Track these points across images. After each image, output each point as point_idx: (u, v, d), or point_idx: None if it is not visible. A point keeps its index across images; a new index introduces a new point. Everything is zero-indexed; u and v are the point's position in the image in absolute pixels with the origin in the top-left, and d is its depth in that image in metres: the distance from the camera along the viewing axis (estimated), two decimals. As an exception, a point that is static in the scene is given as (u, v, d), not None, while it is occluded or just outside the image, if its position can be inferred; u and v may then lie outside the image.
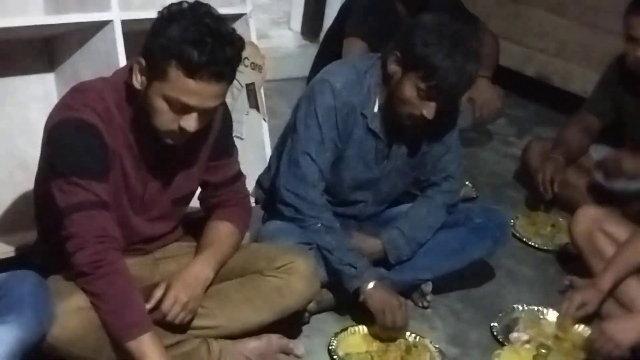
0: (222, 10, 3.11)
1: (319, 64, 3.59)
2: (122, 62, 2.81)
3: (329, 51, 3.76)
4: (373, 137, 2.84)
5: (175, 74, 2.12)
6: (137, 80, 2.21)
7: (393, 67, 2.70)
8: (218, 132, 2.45)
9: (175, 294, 2.34)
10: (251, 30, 3.21)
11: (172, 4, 2.22)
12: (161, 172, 2.40)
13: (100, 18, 2.82)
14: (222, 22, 2.19)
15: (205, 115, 2.23)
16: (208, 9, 2.20)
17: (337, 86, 2.76)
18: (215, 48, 2.11)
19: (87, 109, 2.22)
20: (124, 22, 2.84)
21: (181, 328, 2.41)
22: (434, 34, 2.60)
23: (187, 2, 2.21)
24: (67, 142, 2.22)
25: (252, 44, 3.15)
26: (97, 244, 2.17)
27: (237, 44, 2.20)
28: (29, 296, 2.09)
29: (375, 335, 2.77)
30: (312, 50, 4.78)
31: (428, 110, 2.65)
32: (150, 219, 2.46)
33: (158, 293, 2.35)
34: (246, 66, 3.12)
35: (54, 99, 3.01)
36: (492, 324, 2.97)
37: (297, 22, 5.32)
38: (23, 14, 2.92)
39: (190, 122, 2.19)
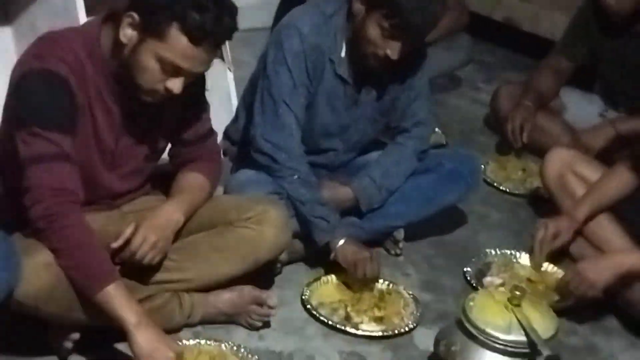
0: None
1: (283, 11, 3.55)
2: (82, 16, 2.80)
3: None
4: (341, 82, 2.83)
5: (175, 36, 2.14)
6: (125, 35, 2.19)
7: (357, 6, 2.70)
8: (191, 88, 2.43)
9: (144, 233, 2.34)
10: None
11: None
12: (134, 127, 2.38)
13: (57, -34, 2.79)
14: None
15: (191, 78, 2.25)
16: None
17: (304, 30, 2.75)
18: (219, 15, 2.14)
19: (55, 59, 2.20)
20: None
21: (151, 276, 2.42)
22: None
23: None
24: (33, 93, 2.19)
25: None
26: (52, 197, 2.15)
27: (235, 10, 2.22)
28: (-5, 254, 2.08)
29: (346, 284, 2.78)
30: (275, -2, 4.75)
31: (392, 50, 2.65)
32: (121, 175, 2.45)
33: (127, 231, 2.34)
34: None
35: (11, 53, 3.00)
36: (465, 269, 2.99)
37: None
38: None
39: (177, 84, 2.21)
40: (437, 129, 3.76)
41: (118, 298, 2.14)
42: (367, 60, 2.73)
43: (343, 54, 2.81)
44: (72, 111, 2.22)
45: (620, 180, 2.93)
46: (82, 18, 2.78)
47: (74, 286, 2.18)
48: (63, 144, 2.18)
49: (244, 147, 2.97)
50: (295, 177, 2.77)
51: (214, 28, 2.14)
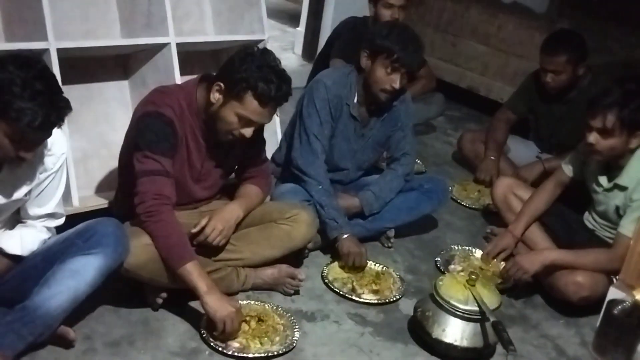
0: (246, 37, 3.13)
1: (314, 75, 3.56)
2: (177, 73, 2.79)
3: (320, 68, 3.71)
4: (353, 120, 2.84)
5: (249, 100, 2.19)
6: (214, 98, 2.24)
7: (364, 61, 2.74)
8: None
9: (214, 223, 2.34)
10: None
11: (246, 48, 2.28)
12: (214, 155, 2.40)
13: (161, 41, 2.80)
14: (279, 63, 2.24)
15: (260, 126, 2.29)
16: (271, 54, 2.25)
17: (328, 84, 2.77)
18: (280, 86, 2.18)
19: (166, 106, 2.24)
20: (178, 44, 2.81)
21: (218, 254, 2.40)
22: (386, 28, 2.73)
23: (257, 47, 2.29)
24: (148, 128, 2.22)
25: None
26: (153, 199, 2.16)
27: (290, 82, 2.24)
28: (111, 235, 2.08)
29: (342, 268, 2.75)
30: (309, 68, 4.76)
31: (395, 81, 2.68)
32: (203, 187, 2.46)
33: (202, 222, 2.34)
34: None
35: (127, 99, 2.99)
36: (436, 259, 2.95)
37: (299, 48, 5.30)
38: (106, 37, 2.89)
39: (249, 132, 2.26)
40: (418, 161, 3.74)
41: (194, 272, 2.15)
42: (378, 97, 2.75)
43: (355, 100, 2.81)
44: (174, 142, 2.25)
45: (544, 195, 2.91)
46: (177, 76, 2.78)
47: (163, 261, 2.18)
48: (165, 164, 2.21)
49: (285, 168, 2.96)
50: (320, 187, 2.76)
51: (276, 94, 2.18)
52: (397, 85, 2.67)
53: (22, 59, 1.80)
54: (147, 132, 2.22)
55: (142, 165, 2.19)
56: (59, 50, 2.47)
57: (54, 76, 1.88)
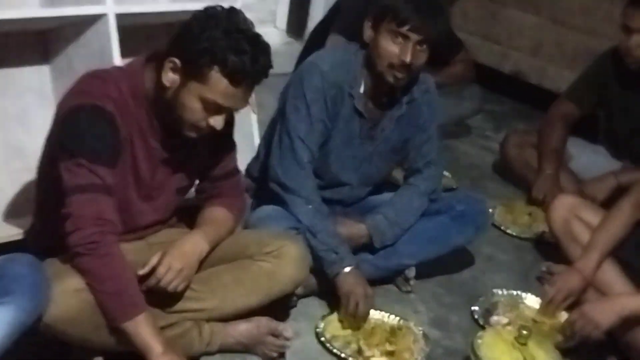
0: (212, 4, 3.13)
1: (304, 58, 3.58)
2: (117, 56, 2.79)
3: (315, 48, 3.73)
4: (359, 117, 2.85)
5: (216, 78, 2.18)
6: (168, 79, 2.23)
7: (368, 33, 2.76)
8: (222, 129, 2.44)
9: (169, 261, 2.32)
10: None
11: (207, 8, 2.25)
12: (169, 162, 2.40)
13: (94, 11, 2.80)
14: (253, 28, 2.24)
15: (230, 113, 2.30)
16: (240, 15, 2.25)
17: (324, 68, 2.78)
18: (255, 57, 2.17)
19: (104, 97, 2.23)
20: (119, 16, 2.81)
21: (173, 304, 2.39)
22: None
23: (221, 7, 2.25)
24: (82, 127, 2.20)
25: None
26: (94, 226, 2.15)
27: (269, 51, 2.24)
28: (25, 278, 2.06)
29: (340, 321, 2.74)
30: (297, 47, 4.79)
31: (405, 52, 2.67)
32: (153, 206, 2.46)
33: (154, 260, 2.32)
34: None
35: (48, 91, 3.01)
36: (472, 308, 2.96)
37: (282, 20, 5.34)
38: (19, 6, 2.87)
39: (219, 121, 2.26)
40: (447, 173, 3.76)
41: (145, 327, 2.15)
42: (386, 78, 2.74)
43: (362, 89, 2.82)
44: (116, 145, 2.24)
45: (621, 220, 2.91)
46: (117, 59, 2.78)
47: (103, 312, 2.17)
48: (106, 177, 2.19)
49: (263, 183, 2.96)
50: (309, 206, 2.77)
51: (252, 68, 2.18)
52: (407, 58, 2.67)
53: None
54: (79, 132, 2.20)
55: (75, 178, 2.17)
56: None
57: None
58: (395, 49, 2.68)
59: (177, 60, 2.20)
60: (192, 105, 2.22)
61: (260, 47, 2.21)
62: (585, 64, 3.85)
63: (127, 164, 2.30)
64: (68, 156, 2.18)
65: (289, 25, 5.29)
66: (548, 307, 2.91)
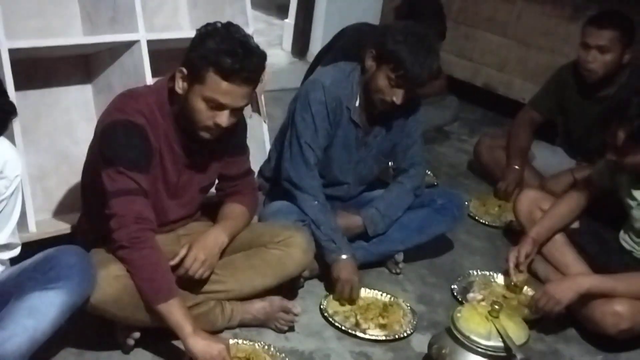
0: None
1: (311, 73, 3.57)
2: (148, 75, 2.79)
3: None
4: (354, 126, 2.84)
5: (212, 78, 2.17)
6: (179, 86, 2.24)
7: (369, 62, 2.72)
8: (235, 133, 2.44)
9: (195, 253, 2.34)
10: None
11: (208, 24, 2.26)
12: (191, 166, 2.40)
13: (129, 38, 2.79)
14: (249, 38, 2.24)
15: (235, 113, 2.27)
16: (237, 28, 2.25)
17: (326, 83, 2.78)
18: (245, 57, 2.16)
19: (136, 112, 2.24)
20: (149, 42, 2.81)
21: (199, 287, 2.40)
22: (401, 34, 2.65)
23: (220, 22, 2.25)
24: (118, 139, 2.22)
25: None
26: (135, 224, 2.17)
27: (262, 55, 2.24)
28: (75, 266, 2.07)
29: (337, 301, 2.74)
30: (301, 66, 4.81)
31: (397, 96, 2.67)
32: (180, 204, 2.46)
33: (182, 252, 2.34)
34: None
35: (91, 106, 2.99)
36: (452, 286, 2.96)
37: (287, 43, 5.33)
38: (66, 35, 2.89)
39: (223, 119, 2.23)
40: (429, 172, 3.76)
41: (177, 310, 2.15)
42: (376, 105, 2.75)
43: (357, 103, 2.81)
44: (148, 154, 2.25)
45: (570, 202, 2.96)
46: (149, 78, 2.77)
47: (142, 295, 2.18)
48: (141, 181, 2.21)
49: (274, 183, 2.97)
50: (315, 202, 2.77)
51: (242, 66, 2.15)
52: (398, 101, 2.68)
53: None
54: (116, 144, 2.22)
55: (115, 184, 2.19)
56: (11, 52, 2.46)
57: None
58: (389, 91, 2.68)
59: (184, 69, 2.22)
60: (198, 106, 2.21)
61: (251, 50, 2.19)
62: (545, 78, 3.84)
63: (157, 168, 2.31)
64: (108, 165, 2.20)
65: (294, 47, 5.29)
66: (511, 274, 2.92)
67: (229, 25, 2.24)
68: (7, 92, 1.82)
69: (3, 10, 2.46)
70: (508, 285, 2.95)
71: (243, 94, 2.23)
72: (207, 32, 2.21)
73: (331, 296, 2.75)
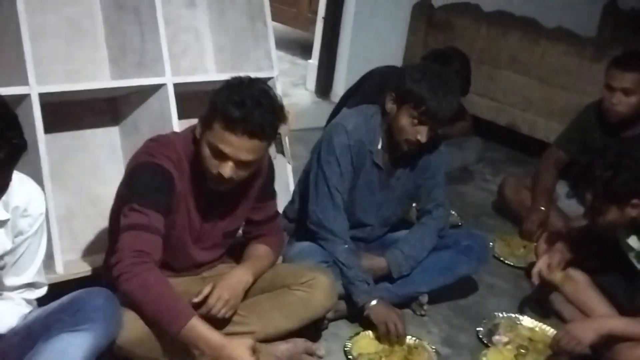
0: (254, 74, 3.17)
1: (335, 115, 3.60)
2: (175, 118, 2.84)
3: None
4: (377, 169, 2.86)
5: (217, 125, 2.18)
6: (197, 132, 2.27)
7: (390, 105, 2.75)
8: (264, 179, 2.48)
9: (219, 292, 2.34)
10: (277, 90, 3.23)
11: (236, 76, 2.28)
12: (216, 211, 2.42)
13: (156, 82, 2.85)
14: (266, 94, 2.22)
15: (242, 166, 2.24)
16: (261, 83, 2.25)
17: (349, 128, 2.80)
18: (252, 110, 2.15)
19: (164, 157, 2.27)
20: (175, 85, 2.87)
21: (222, 327, 2.40)
22: (419, 72, 2.70)
23: (249, 77, 2.27)
24: (140, 180, 2.25)
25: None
26: (130, 257, 2.15)
27: (274, 111, 2.22)
28: (101, 308, 2.07)
29: (379, 339, 2.75)
30: (324, 105, 4.86)
31: (421, 134, 2.69)
32: (204, 248, 2.49)
33: (206, 290, 2.35)
34: (273, 120, 3.13)
35: (117, 148, 3.05)
36: (477, 329, 2.94)
37: (311, 84, 5.38)
38: (93, 78, 2.95)
39: (225, 169, 2.21)
40: (453, 212, 3.76)
41: (201, 327, 2.15)
42: (401, 147, 2.76)
43: (379, 146, 2.84)
44: (170, 197, 2.27)
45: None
46: (175, 120, 2.83)
47: (160, 328, 2.16)
48: (153, 218, 2.21)
49: (298, 223, 2.99)
50: (346, 246, 2.78)
51: (245, 117, 2.15)
52: (423, 139, 2.70)
53: None
54: (138, 183, 2.25)
55: (126, 220, 2.20)
56: (41, 96, 2.52)
57: (9, 112, 1.81)
58: (413, 129, 2.69)
59: (202, 116, 2.26)
60: (204, 152, 2.23)
61: (260, 104, 2.18)
62: (569, 117, 3.85)
63: (183, 213, 2.33)
64: (126, 202, 2.23)
65: (317, 87, 5.34)
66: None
67: (253, 80, 2.26)
68: (20, 127, 1.83)
69: (33, 55, 2.52)
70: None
71: (247, 148, 2.20)
72: (230, 83, 2.25)
73: (355, 338, 2.74)
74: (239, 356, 2.15)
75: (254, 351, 2.19)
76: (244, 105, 2.16)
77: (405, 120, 2.70)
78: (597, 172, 2.57)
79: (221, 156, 2.20)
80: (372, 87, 3.54)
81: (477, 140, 4.31)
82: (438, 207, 3.02)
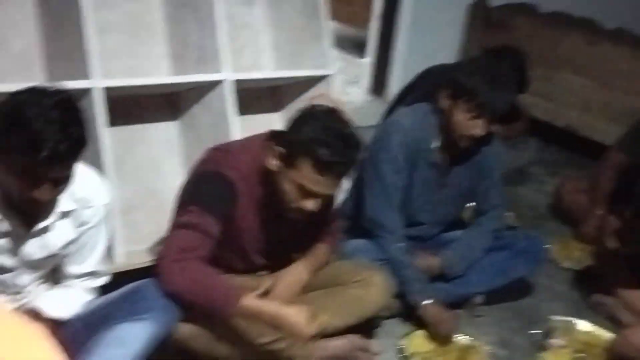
0: (310, 73, 3.22)
1: (388, 116, 3.60)
2: (232, 114, 2.87)
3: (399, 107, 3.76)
4: (433, 167, 2.85)
5: (306, 167, 2.13)
6: (271, 163, 2.22)
7: (443, 102, 2.74)
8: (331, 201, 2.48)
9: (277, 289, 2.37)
10: (334, 88, 3.25)
11: (309, 106, 2.25)
12: (279, 230, 2.39)
13: (215, 78, 2.88)
14: (348, 127, 2.18)
15: (325, 199, 2.24)
16: (338, 114, 2.21)
17: (406, 125, 2.80)
18: (343, 150, 2.12)
19: (229, 168, 2.25)
20: (236, 82, 2.90)
21: None
22: (473, 66, 2.72)
23: (322, 105, 2.23)
24: (206, 187, 2.24)
25: (335, 99, 3.18)
26: (175, 254, 2.13)
27: (359, 146, 2.18)
28: (161, 298, 2.12)
29: (430, 338, 2.75)
30: (377, 104, 4.85)
31: (477, 128, 2.67)
32: (267, 256, 2.48)
33: (267, 283, 2.35)
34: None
35: (176, 143, 3.09)
36: (532, 331, 2.92)
37: (365, 82, 5.38)
38: (154, 74, 3.00)
39: (310, 204, 2.20)
40: (509, 213, 3.73)
41: (254, 300, 2.16)
42: (457, 144, 2.75)
43: (436, 144, 2.82)
44: (231, 208, 2.24)
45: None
46: (232, 118, 2.86)
47: (217, 317, 2.17)
48: (208, 222, 2.17)
49: (354, 221, 2.99)
50: (401, 244, 2.78)
51: (337, 160, 2.12)
52: (479, 133, 2.68)
53: (41, 89, 1.83)
54: (199, 188, 2.24)
55: (179, 218, 2.20)
56: (104, 90, 2.56)
57: (76, 109, 1.86)
58: (469, 124, 2.67)
59: (279, 149, 2.20)
60: (287, 189, 2.19)
61: (350, 143, 2.15)
62: (629, 120, 3.78)
63: (247, 224, 2.31)
64: (184, 205, 2.22)
65: (371, 86, 5.34)
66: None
67: (331, 112, 2.22)
68: (83, 122, 1.88)
69: (97, 49, 2.58)
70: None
71: (336, 184, 2.20)
72: (308, 116, 2.19)
73: (410, 336, 2.75)
74: (297, 322, 2.15)
75: (312, 318, 2.18)
76: (334, 145, 2.11)
77: (460, 115, 2.68)
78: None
79: (309, 195, 2.18)
80: (428, 85, 3.52)
81: (533, 142, 4.26)
82: (494, 208, 3.00)
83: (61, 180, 1.89)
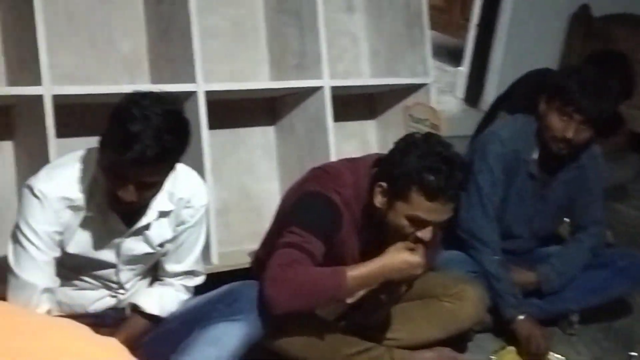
0: (407, 81, 3.20)
1: (482, 127, 3.55)
2: (330, 120, 2.88)
3: (490, 120, 3.69)
4: (531, 179, 2.80)
5: (416, 197, 2.09)
6: (378, 201, 2.18)
7: (541, 106, 2.69)
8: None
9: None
10: (431, 97, 3.22)
11: (407, 137, 2.21)
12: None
13: (314, 84, 2.90)
14: (450, 149, 2.15)
15: (439, 225, 2.19)
16: (437, 139, 2.18)
17: (504, 136, 2.76)
18: (450, 174, 2.08)
19: (333, 191, 2.22)
20: (333, 88, 2.90)
21: (373, 337, 2.41)
22: (572, 70, 2.69)
23: (420, 133, 2.21)
24: (304, 207, 2.22)
25: (432, 108, 3.16)
26: (277, 268, 2.10)
27: (464, 166, 2.16)
28: (255, 300, 2.14)
29: (522, 355, 2.69)
30: (472, 113, 4.80)
31: (567, 130, 2.61)
32: None
33: (361, 292, 2.26)
34: (426, 126, 3.12)
35: (272, 147, 3.12)
36: (630, 353, 2.80)
37: (460, 91, 5.33)
38: (254, 79, 3.05)
39: (427, 234, 2.15)
40: (607, 231, 3.61)
41: (356, 270, 2.12)
42: (551, 146, 2.68)
43: (535, 155, 2.77)
44: (332, 229, 2.21)
45: None
46: (330, 124, 2.87)
47: (332, 303, 2.20)
48: (312, 243, 2.14)
49: (447, 231, 2.93)
50: (496, 257, 2.74)
51: (446, 184, 2.08)
52: (569, 135, 2.61)
53: (157, 95, 1.88)
54: (301, 210, 2.21)
55: (282, 239, 2.15)
56: (206, 93, 2.62)
57: (180, 121, 1.89)
58: (560, 125, 2.62)
59: (384, 184, 2.16)
60: (400, 223, 2.14)
61: (454, 165, 2.10)
62: None
63: (347, 248, 2.27)
64: (286, 226, 2.19)
65: (466, 95, 5.29)
66: None
67: (428, 137, 2.18)
68: (182, 137, 1.90)
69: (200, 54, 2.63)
70: None
71: (448, 209, 2.14)
72: (407, 147, 2.15)
73: (501, 351, 2.69)
74: (402, 261, 2.12)
75: (409, 249, 2.14)
76: (440, 170, 2.07)
77: (553, 116, 2.64)
78: None
79: (423, 224, 2.14)
80: (525, 92, 3.46)
81: (634, 156, 4.11)
82: (594, 224, 2.92)
83: (147, 186, 1.91)
